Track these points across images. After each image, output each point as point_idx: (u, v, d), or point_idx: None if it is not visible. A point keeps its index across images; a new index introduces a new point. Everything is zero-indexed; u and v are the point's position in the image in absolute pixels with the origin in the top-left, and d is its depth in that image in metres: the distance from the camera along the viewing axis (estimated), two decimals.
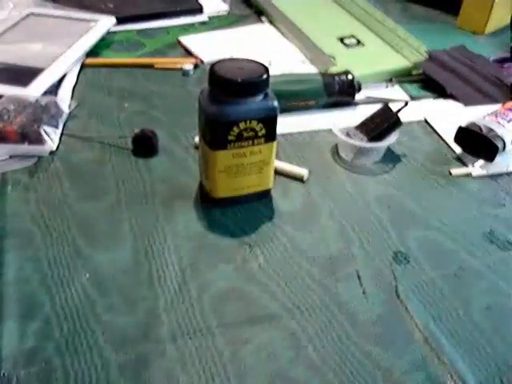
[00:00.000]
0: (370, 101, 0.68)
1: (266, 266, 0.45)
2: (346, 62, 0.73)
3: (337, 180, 0.55)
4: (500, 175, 0.57)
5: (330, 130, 0.58)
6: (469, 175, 0.57)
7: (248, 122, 0.45)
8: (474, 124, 0.58)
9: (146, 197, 0.52)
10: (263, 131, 0.46)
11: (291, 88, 0.64)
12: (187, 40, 0.81)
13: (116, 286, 0.43)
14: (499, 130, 0.56)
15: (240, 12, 0.93)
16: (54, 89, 0.67)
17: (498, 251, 0.48)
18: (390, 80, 0.72)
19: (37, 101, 0.60)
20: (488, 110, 0.61)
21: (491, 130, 0.56)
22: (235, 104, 0.45)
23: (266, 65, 0.46)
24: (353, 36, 0.81)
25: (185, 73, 0.73)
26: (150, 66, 0.74)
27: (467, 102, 0.69)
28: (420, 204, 0.53)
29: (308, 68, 0.76)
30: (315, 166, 0.57)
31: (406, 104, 0.58)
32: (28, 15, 0.82)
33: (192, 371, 0.37)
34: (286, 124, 0.60)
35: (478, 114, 0.59)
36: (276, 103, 0.46)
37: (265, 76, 0.45)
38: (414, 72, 0.74)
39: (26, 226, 0.48)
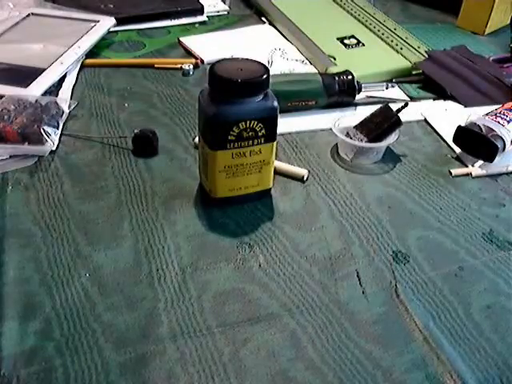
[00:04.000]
0: (370, 101, 0.68)
1: (265, 265, 0.45)
2: (346, 62, 0.73)
3: (337, 180, 0.55)
4: (500, 175, 0.57)
5: (330, 129, 0.58)
6: (469, 175, 0.57)
7: (248, 122, 0.45)
8: (473, 124, 0.58)
9: (146, 197, 0.52)
10: (263, 131, 0.46)
11: (291, 88, 0.64)
12: (187, 40, 0.81)
13: (116, 285, 0.43)
14: (499, 130, 0.56)
15: (240, 12, 0.93)
16: (54, 89, 0.67)
17: (498, 251, 0.48)
18: (391, 80, 0.72)
19: (37, 101, 0.60)
20: (488, 110, 0.61)
21: (491, 129, 0.56)
22: (235, 104, 0.45)
23: (266, 65, 0.46)
24: (353, 36, 0.81)
25: (185, 73, 0.73)
26: (150, 66, 0.74)
27: (467, 102, 0.69)
28: (420, 204, 0.53)
29: (308, 68, 0.76)
30: (315, 166, 0.57)
31: (406, 104, 0.58)
32: (28, 15, 0.82)
33: (192, 371, 0.37)
34: (286, 124, 0.60)
35: (478, 114, 0.59)
36: (276, 103, 0.46)
37: (265, 76, 0.45)
38: (414, 72, 0.74)
39: (26, 226, 0.48)
